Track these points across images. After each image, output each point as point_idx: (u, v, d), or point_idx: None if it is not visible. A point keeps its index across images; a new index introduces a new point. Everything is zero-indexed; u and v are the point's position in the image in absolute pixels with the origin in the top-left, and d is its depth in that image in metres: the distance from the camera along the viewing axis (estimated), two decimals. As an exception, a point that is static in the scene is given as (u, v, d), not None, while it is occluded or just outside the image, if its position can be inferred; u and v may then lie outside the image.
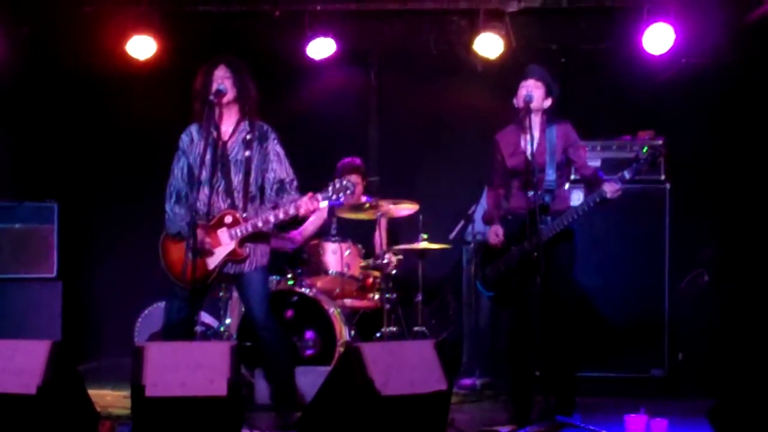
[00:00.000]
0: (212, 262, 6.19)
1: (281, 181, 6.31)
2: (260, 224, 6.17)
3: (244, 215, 6.20)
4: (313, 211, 6.16)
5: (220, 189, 6.25)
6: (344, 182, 6.10)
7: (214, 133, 6.28)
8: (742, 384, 5.35)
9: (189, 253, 5.95)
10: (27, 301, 8.95)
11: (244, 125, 6.32)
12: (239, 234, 6.16)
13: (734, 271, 8.72)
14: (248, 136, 6.29)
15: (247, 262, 6.28)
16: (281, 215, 6.14)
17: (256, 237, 6.28)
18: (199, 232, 6.12)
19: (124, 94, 9.56)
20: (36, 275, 9.04)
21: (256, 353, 6.64)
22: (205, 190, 6.21)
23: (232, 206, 6.23)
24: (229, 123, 6.34)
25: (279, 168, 6.33)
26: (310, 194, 6.11)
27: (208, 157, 6.18)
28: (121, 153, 9.87)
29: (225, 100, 6.26)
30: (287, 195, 6.24)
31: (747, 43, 8.85)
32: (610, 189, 6.33)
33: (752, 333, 8.25)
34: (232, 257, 6.18)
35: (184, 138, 6.39)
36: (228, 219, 6.19)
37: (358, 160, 8.51)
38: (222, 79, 6.26)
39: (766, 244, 8.82)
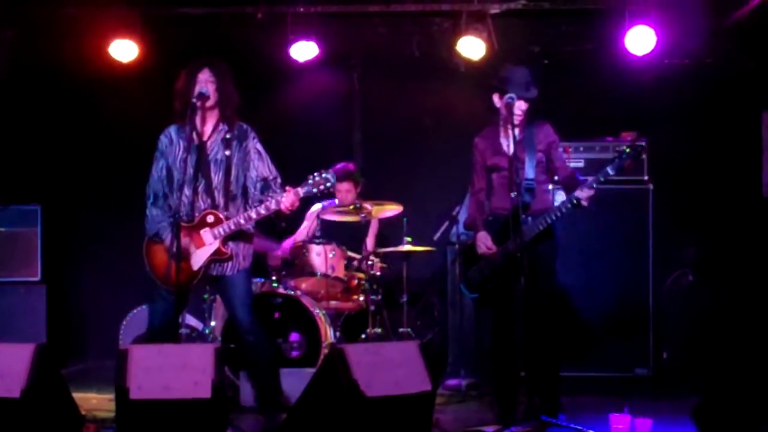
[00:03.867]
0: (196, 263, 6.18)
1: (265, 179, 6.32)
2: (242, 221, 6.17)
3: (225, 214, 6.20)
4: (294, 206, 6.11)
5: (201, 189, 6.24)
6: (324, 174, 6.10)
7: (194, 135, 6.27)
8: (726, 383, 5.37)
9: (172, 255, 5.95)
10: (11, 304, 8.95)
11: (223, 126, 6.33)
12: (222, 233, 6.17)
13: (718, 271, 8.75)
14: (227, 135, 6.29)
15: (230, 264, 6.28)
16: (263, 211, 6.14)
17: (238, 238, 6.28)
18: (183, 234, 6.12)
19: (107, 97, 9.56)
20: (20, 278, 9.04)
21: (241, 355, 6.64)
22: (186, 191, 6.20)
23: (213, 206, 6.23)
24: (209, 124, 6.34)
25: (261, 166, 6.34)
26: (288, 188, 6.12)
27: (188, 157, 6.18)
28: (105, 156, 9.85)
29: (207, 103, 6.26)
30: (272, 193, 6.25)
31: (727, 45, 8.89)
32: (582, 195, 6.36)
33: (736, 332, 8.29)
34: (216, 257, 6.18)
35: (163, 139, 6.39)
36: (210, 218, 6.19)
37: (351, 166, 8.52)
38: (205, 82, 6.25)
39: (748, 243, 8.86)
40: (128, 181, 9.10)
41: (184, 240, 6.12)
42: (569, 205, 6.40)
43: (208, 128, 6.34)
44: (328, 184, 6.10)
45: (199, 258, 6.18)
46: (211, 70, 6.29)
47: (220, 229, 6.17)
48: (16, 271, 9.04)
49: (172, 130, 6.39)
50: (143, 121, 8.79)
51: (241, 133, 6.34)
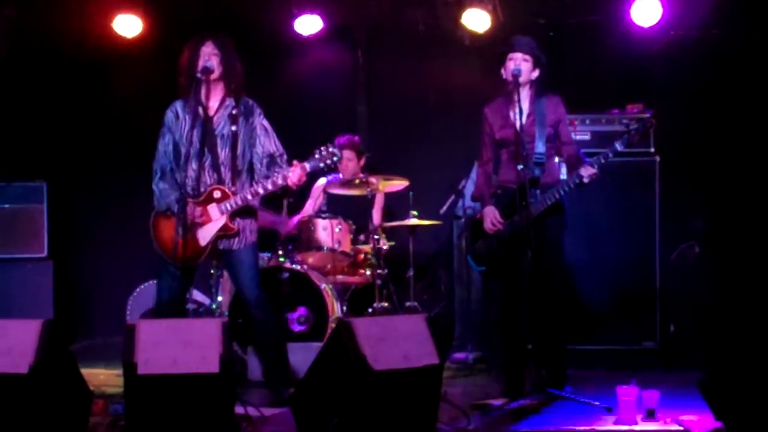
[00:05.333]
0: (204, 238, 6.19)
1: (271, 155, 6.31)
2: (249, 197, 6.17)
3: (232, 189, 6.19)
4: (301, 181, 6.10)
5: (207, 164, 6.24)
6: (330, 148, 6.09)
7: (200, 109, 6.27)
8: (733, 355, 5.36)
9: (179, 230, 5.95)
10: (18, 280, 8.97)
11: (230, 101, 6.33)
12: (229, 208, 6.16)
13: (725, 243, 8.74)
14: (234, 111, 6.28)
15: (237, 239, 6.28)
16: (269, 186, 6.14)
17: (244, 214, 6.28)
18: (190, 208, 6.13)
19: (111, 73, 9.55)
20: (27, 255, 9.06)
21: (248, 330, 6.65)
22: (192, 166, 6.21)
23: (219, 181, 6.23)
24: (215, 99, 6.34)
25: (267, 142, 6.33)
26: (295, 162, 6.11)
27: (195, 132, 6.16)
28: (110, 131, 9.83)
29: (212, 77, 6.23)
30: (279, 169, 6.23)
31: (734, 15, 8.84)
32: (586, 173, 6.35)
33: (743, 304, 8.29)
34: (223, 232, 6.19)
35: (169, 114, 6.38)
36: (217, 194, 6.19)
37: (354, 138, 8.52)
38: (209, 56, 6.24)
39: (756, 215, 8.84)
40: (133, 157, 9.12)
41: (192, 215, 6.12)
42: (574, 184, 6.39)
43: (215, 103, 6.34)
44: (335, 158, 6.10)
45: (206, 234, 6.18)
46: (214, 43, 6.28)
47: (228, 205, 6.16)
48: (23, 248, 9.06)
49: (178, 105, 6.38)
50: (148, 96, 8.80)
51: (247, 108, 6.32)
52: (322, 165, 6.07)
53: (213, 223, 6.19)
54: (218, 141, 6.27)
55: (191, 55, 6.26)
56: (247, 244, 6.34)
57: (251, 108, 6.35)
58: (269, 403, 6.23)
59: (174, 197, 6.21)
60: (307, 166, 6.09)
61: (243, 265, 6.37)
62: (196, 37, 6.33)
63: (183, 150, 6.24)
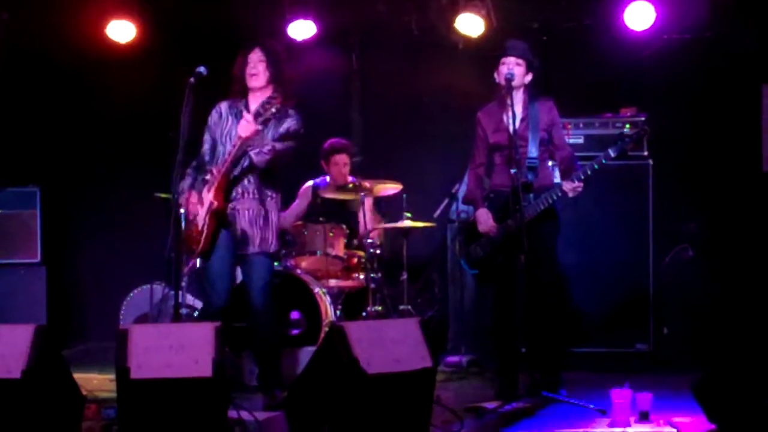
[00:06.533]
0: (200, 222, 6.26)
1: None
2: (221, 166, 6.24)
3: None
4: (250, 132, 6.11)
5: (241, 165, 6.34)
6: (268, 99, 6.10)
7: (244, 111, 6.35)
8: (727, 357, 5.37)
9: (172, 219, 6.05)
10: (11, 286, 8.96)
11: (273, 106, 6.28)
12: (212, 183, 6.25)
13: (718, 246, 8.75)
14: (269, 117, 6.26)
15: (251, 244, 6.34)
16: (231, 149, 6.19)
17: (262, 222, 6.36)
18: (193, 198, 6.32)
19: (105, 78, 9.52)
20: (20, 260, 9.05)
21: (242, 334, 6.65)
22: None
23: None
24: (257, 103, 6.37)
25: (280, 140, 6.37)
26: (244, 114, 6.17)
27: (233, 132, 6.27)
28: (103, 137, 9.83)
29: (257, 83, 6.34)
30: None
31: (726, 19, 8.85)
32: (569, 188, 6.38)
33: (736, 307, 8.30)
34: (210, 208, 6.25)
35: (213, 114, 6.53)
36: (208, 176, 6.32)
37: (344, 141, 8.53)
38: (256, 63, 6.34)
39: (748, 217, 8.86)
40: (126, 162, 9.15)
41: (195, 205, 6.31)
42: (555, 198, 6.41)
43: (256, 106, 6.38)
44: (271, 107, 6.07)
45: (200, 217, 6.25)
46: (262, 50, 6.38)
47: (211, 181, 6.24)
48: (16, 253, 9.05)
49: (223, 105, 6.52)
50: (141, 101, 8.83)
51: (283, 114, 6.34)
52: (261, 110, 6.07)
53: (204, 204, 6.27)
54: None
55: (241, 63, 6.39)
56: (261, 252, 6.37)
57: (287, 113, 6.37)
58: (262, 408, 6.23)
59: (183, 186, 6.37)
60: (249, 116, 6.10)
61: (253, 270, 6.41)
62: (247, 44, 6.44)
63: (220, 148, 6.38)
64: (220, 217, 6.31)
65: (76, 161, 9.88)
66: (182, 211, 6.33)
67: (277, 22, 9.00)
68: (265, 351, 6.56)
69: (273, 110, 6.11)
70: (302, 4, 8.90)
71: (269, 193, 6.40)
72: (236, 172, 6.30)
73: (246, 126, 6.08)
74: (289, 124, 6.36)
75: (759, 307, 8.02)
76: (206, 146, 6.48)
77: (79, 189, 9.93)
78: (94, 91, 9.72)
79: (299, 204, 8.57)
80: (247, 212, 6.34)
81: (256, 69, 6.33)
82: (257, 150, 6.20)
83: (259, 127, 6.08)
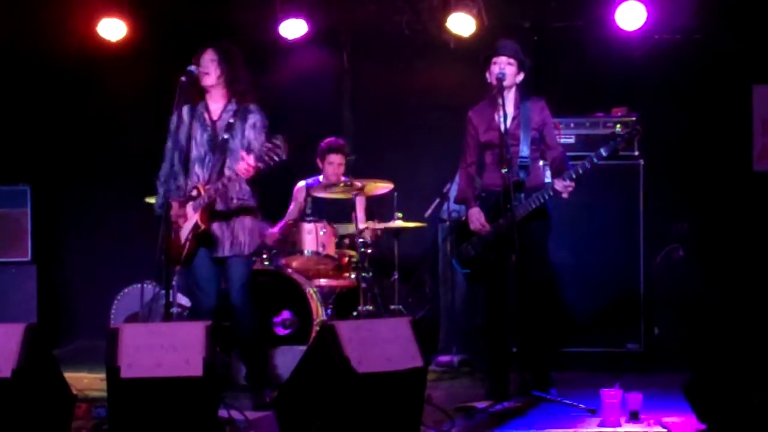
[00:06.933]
0: (183, 236, 6.27)
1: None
2: (212, 192, 6.22)
3: (207, 186, 6.23)
4: (249, 171, 6.08)
5: (209, 167, 6.34)
6: (273, 140, 6.06)
7: (205, 114, 6.40)
8: (717, 357, 5.38)
9: (160, 231, 6.01)
10: (2, 284, 8.95)
11: (232, 106, 6.41)
12: (200, 204, 6.22)
13: (709, 246, 8.78)
14: (231, 120, 6.35)
15: (228, 247, 6.34)
16: (226, 181, 6.18)
17: (238, 223, 6.37)
18: (174, 209, 6.28)
19: (96, 76, 9.52)
20: (10, 259, 9.04)
21: (232, 333, 6.65)
22: (196, 170, 6.35)
23: (206, 181, 6.28)
24: (218, 104, 6.45)
25: (253, 137, 6.35)
26: (243, 154, 6.12)
27: (198, 136, 6.33)
28: (94, 135, 9.81)
29: (209, 82, 6.35)
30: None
31: (717, 20, 8.87)
32: (560, 186, 6.37)
33: (727, 307, 8.32)
34: (196, 230, 6.23)
35: (174, 118, 6.47)
36: (194, 192, 6.28)
37: (341, 140, 8.53)
38: (208, 62, 6.35)
39: (739, 217, 8.88)
40: (117, 161, 9.14)
41: (177, 216, 6.29)
42: (549, 195, 6.42)
43: (218, 108, 6.45)
44: (279, 150, 6.01)
45: (184, 232, 6.25)
46: (214, 50, 6.40)
47: (199, 201, 6.21)
48: (7, 252, 9.03)
49: (184, 109, 6.47)
50: (132, 100, 8.82)
51: (245, 111, 6.37)
52: (266, 158, 6.03)
53: (189, 221, 6.26)
54: (219, 145, 6.32)
55: (195, 63, 6.38)
56: (239, 254, 6.39)
57: (248, 109, 6.41)
58: (253, 407, 6.23)
59: (162, 201, 6.35)
60: (251, 159, 6.08)
61: (232, 272, 6.43)
62: (200, 46, 6.43)
63: (190, 154, 6.36)
64: (204, 236, 6.32)
65: (66, 160, 9.86)
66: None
67: (268, 20, 8.99)
68: (249, 351, 6.60)
69: (276, 158, 6.06)
70: (294, 4, 8.89)
71: (244, 198, 6.41)
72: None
73: (246, 169, 6.06)
74: (254, 119, 6.40)
75: (749, 307, 8.03)
76: (173, 152, 6.41)
77: (70, 188, 9.91)
78: (85, 90, 9.71)
79: (295, 206, 8.56)
80: (219, 216, 6.35)
81: (208, 68, 6.35)
82: (214, 194, 6.24)
83: (260, 165, 6.06)
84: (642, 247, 8.07)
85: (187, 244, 6.27)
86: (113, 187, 9.18)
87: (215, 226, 6.33)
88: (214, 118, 6.42)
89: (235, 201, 6.37)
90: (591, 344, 8.01)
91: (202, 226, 6.26)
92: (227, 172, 6.25)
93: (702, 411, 5.25)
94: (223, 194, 6.27)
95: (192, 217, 6.26)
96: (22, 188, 9.10)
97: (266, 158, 5.99)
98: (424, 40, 9.41)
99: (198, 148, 6.34)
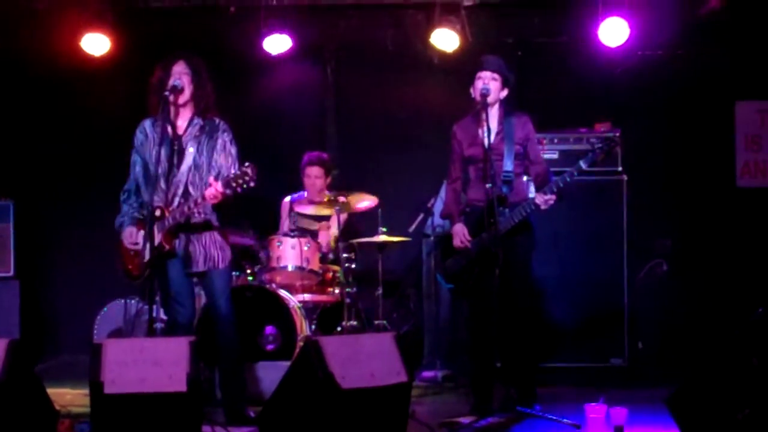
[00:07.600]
0: (145, 255, 6.17)
1: (219, 173, 6.27)
2: (177, 216, 6.18)
3: (170, 208, 6.20)
4: (217, 197, 6.06)
5: (175, 183, 6.26)
6: (242, 168, 6.01)
7: (169, 129, 6.27)
8: (700, 372, 5.39)
9: (146, 245, 5.96)
10: (-16, 300, 8.89)
11: (198, 120, 6.32)
12: (164, 227, 6.18)
13: (691, 261, 8.80)
14: (198, 133, 6.29)
15: (195, 263, 6.33)
16: (192, 205, 6.15)
17: (205, 239, 6.36)
18: (138, 228, 6.28)
19: (79, 91, 9.50)
20: (-7, 274, 8.99)
21: (215, 349, 6.63)
22: (161, 186, 6.22)
23: (166, 200, 6.21)
24: (183, 118, 6.36)
25: (224, 162, 6.31)
26: (211, 180, 6.08)
27: (162, 152, 6.18)
28: (77, 150, 9.77)
29: (181, 97, 6.26)
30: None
31: (699, 36, 8.92)
32: (541, 200, 6.40)
33: (709, 321, 8.34)
34: (159, 249, 6.17)
35: (139, 135, 6.41)
36: (157, 213, 6.20)
37: (324, 155, 8.52)
38: (179, 75, 6.26)
39: (722, 233, 8.91)
40: (100, 176, 9.09)
41: (140, 234, 6.25)
42: (530, 210, 6.43)
43: (183, 122, 6.36)
44: (247, 178, 5.97)
45: (147, 252, 6.17)
46: (186, 63, 6.30)
47: (164, 223, 6.17)
48: (-12, 267, 8.99)
49: (146, 124, 6.41)
50: (116, 115, 8.78)
51: (212, 127, 6.33)
52: (234, 184, 5.99)
53: (149, 242, 6.17)
54: (185, 160, 6.27)
55: (162, 74, 6.28)
56: (215, 266, 6.37)
57: (216, 126, 6.35)
58: (227, 420, 6.20)
59: (126, 218, 6.34)
60: (219, 185, 6.03)
61: (216, 286, 6.43)
62: (168, 56, 6.34)
63: (152, 169, 6.25)
64: (167, 255, 6.30)
65: (49, 175, 9.83)
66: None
67: (252, 36, 8.99)
68: (229, 363, 6.56)
69: (244, 185, 6.00)
70: (278, 19, 8.89)
71: (206, 213, 6.37)
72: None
73: (214, 195, 6.03)
74: (223, 139, 6.34)
75: (732, 322, 8.05)
76: (137, 168, 6.38)
77: (53, 202, 9.88)
78: (68, 105, 9.69)
79: (284, 222, 8.55)
80: (188, 233, 6.33)
81: (181, 81, 6.24)
82: (179, 217, 6.21)
83: (227, 192, 6.02)
84: (626, 262, 8.09)
85: (149, 264, 6.10)
86: (96, 201, 9.13)
87: (185, 243, 6.32)
88: (180, 132, 6.33)
89: (200, 216, 6.34)
90: (575, 359, 8.02)
91: (167, 247, 6.23)
92: (191, 189, 6.22)
93: (686, 426, 5.25)
94: (188, 215, 6.25)
95: (156, 236, 6.16)
96: (5, 203, 9.06)
97: (234, 185, 5.94)
98: (408, 55, 9.43)
99: (162, 163, 6.21)
